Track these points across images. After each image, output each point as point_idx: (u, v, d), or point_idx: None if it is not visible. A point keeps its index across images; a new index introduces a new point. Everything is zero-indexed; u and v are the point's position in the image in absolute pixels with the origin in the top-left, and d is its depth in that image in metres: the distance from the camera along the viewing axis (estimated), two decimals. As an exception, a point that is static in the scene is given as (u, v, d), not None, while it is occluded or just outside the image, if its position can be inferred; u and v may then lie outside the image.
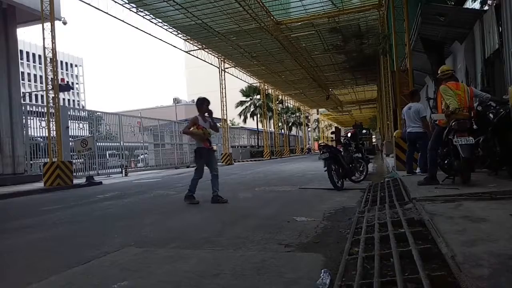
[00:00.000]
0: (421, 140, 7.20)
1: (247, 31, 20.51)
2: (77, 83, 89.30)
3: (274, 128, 41.11)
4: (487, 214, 3.29)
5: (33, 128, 15.02)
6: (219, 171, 6.62)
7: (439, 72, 5.79)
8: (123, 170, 17.63)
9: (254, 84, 36.98)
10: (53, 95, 12.33)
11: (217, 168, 6.50)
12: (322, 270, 2.44)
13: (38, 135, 15.21)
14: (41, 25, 12.13)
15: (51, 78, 12.31)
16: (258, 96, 40.19)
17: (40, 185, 12.08)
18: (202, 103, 6.58)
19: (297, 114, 54.23)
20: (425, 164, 6.62)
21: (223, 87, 26.25)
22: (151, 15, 18.43)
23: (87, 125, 17.47)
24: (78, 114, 19.56)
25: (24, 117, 14.85)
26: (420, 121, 7.31)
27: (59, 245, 3.96)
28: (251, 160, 31.39)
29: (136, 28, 18.51)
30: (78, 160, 16.03)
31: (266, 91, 37.51)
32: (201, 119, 6.46)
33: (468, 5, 10.56)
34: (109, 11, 16.34)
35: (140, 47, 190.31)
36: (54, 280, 2.76)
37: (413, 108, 7.41)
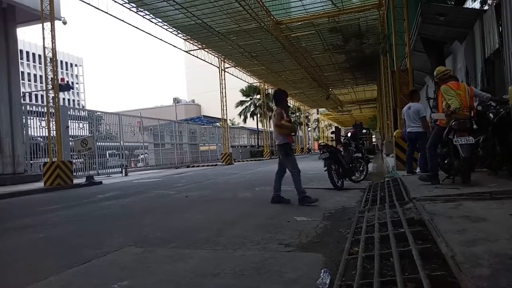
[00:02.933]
0: (421, 140, 7.21)
1: (247, 31, 20.50)
2: (77, 83, 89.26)
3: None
4: (487, 213, 3.29)
5: (33, 128, 15.01)
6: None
7: (435, 74, 5.78)
8: (123, 170, 17.63)
9: (254, 84, 36.97)
10: (53, 95, 12.33)
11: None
12: (322, 270, 2.44)
13: (38, 134, 15.21)
14: (41, 24, 12.13)
15: (51, 77, 12.31)
16: (258, 96, 40.18)
17: (40, 185, 12.08)
18: (284, 96, 6.10)
19: (297, 114, 54.21)
20: (425, 163, 6.62)
21: (223, 87, 26.24)
22: (151, 15, 18.42)
23: (87, 124, 17.47)
24: (78, 113, 19.56)
25: (24, 117, 14.84)
26: (420, 121, 7.30)
27: (59, 245, 3.96)
28: (251, 160, 31.39)
29: (136, 28, 18.52)
30: (78, 160, 16.03)
31: (266, 90, 37.49)
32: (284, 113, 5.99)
33: (468, 4, 10.56)
34: (109, 10, 16.34)
35: (140, 47, 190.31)
36: (54, 280, 2.76)
37: (413, 108, 7.41)
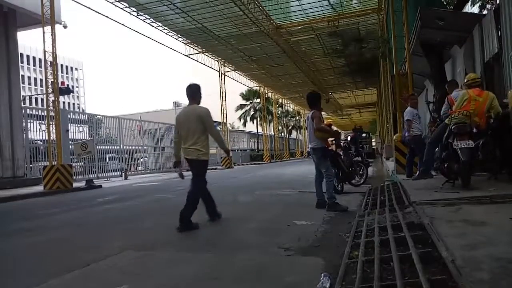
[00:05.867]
0: (415, 144, 7.25)
1: (247, 35, 20.59)
2: (77, 87, 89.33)
3: (274, 132, 41.12)
4: (487, 217, 3.28)
5: (33, 131, 15.04)
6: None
7: (466, 80, 5.86)
8: (123, 173, 17.60)
9: (254, 88, 37.05)
10: (53, 99, 12.36)
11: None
12: (322, 274, 2.43)
13: (38, 138, 15.22)
14: (41, 28, 12.18)
15: (51, 81, 12.34)
16: (258, 100, 40.26)
17: (39, 188, 12.06)
18: (319, 99, 5.76)
19: (297, 118, 54.29)
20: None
21: (223, 90, 26.30)
22: (151, 19, 18.52)
23: (87, 128, 17.49)
24: (78, 117, 19.52)
25: (24, 120, 14.86)
26: (418, 125, 7.36)
27: (58, 249, 3.95)
28: (251, 164, 31.37)
29: (136, 31, 18.68)
30: (78, 164, 16.02)
31: (266, 94, 37.56)
32: None
33: (467, 9, 10.61)
34: (110, 15, 16.42)
35: (140, 51, 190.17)
36: (54, 284, 2.75)
37: (404, 112, 7.52)
